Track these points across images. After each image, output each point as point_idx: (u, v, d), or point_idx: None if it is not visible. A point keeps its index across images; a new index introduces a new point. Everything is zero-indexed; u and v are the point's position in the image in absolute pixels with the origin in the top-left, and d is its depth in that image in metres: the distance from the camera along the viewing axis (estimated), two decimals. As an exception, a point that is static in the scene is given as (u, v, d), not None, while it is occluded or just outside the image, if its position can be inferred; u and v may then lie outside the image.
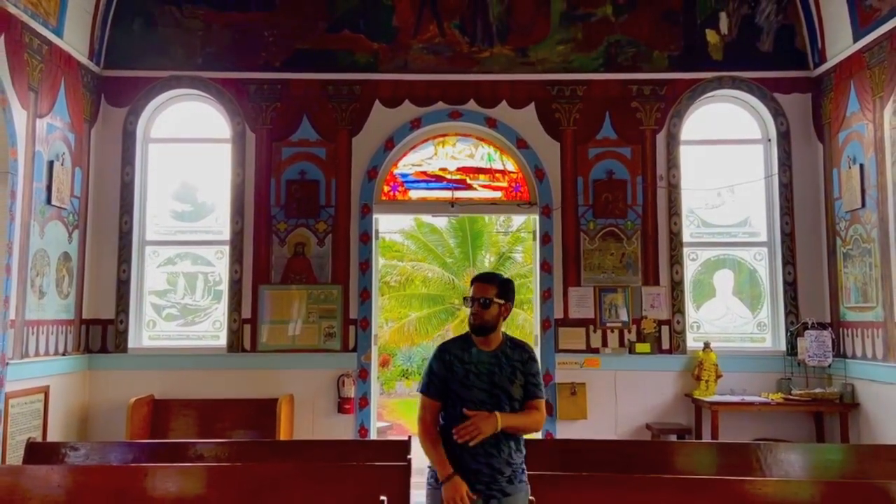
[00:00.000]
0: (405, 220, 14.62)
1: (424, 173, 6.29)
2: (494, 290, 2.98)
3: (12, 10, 4.79)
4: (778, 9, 6.13)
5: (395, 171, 6.28)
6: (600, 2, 6.18)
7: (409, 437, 4.22)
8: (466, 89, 6.15)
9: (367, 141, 6.11)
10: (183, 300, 6.15)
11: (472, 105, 6.15)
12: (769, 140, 6.20)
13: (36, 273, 5.10)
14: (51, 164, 5.26)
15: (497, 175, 6.28)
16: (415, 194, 6.28)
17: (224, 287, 6.05)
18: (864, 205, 5.35)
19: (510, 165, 6.28)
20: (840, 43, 5.65)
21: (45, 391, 5.15)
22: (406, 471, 3.57)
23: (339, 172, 6.09)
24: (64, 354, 5.49)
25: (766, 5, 6.14)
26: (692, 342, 5.96)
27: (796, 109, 6.09)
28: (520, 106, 6.15)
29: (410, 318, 14.65)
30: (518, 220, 13.57)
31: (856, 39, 5.45)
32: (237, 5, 6.14)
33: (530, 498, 2.95)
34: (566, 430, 5.74)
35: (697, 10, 6.18)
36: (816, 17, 5.91)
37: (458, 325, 13.56)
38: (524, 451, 2.99)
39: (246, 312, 5.93)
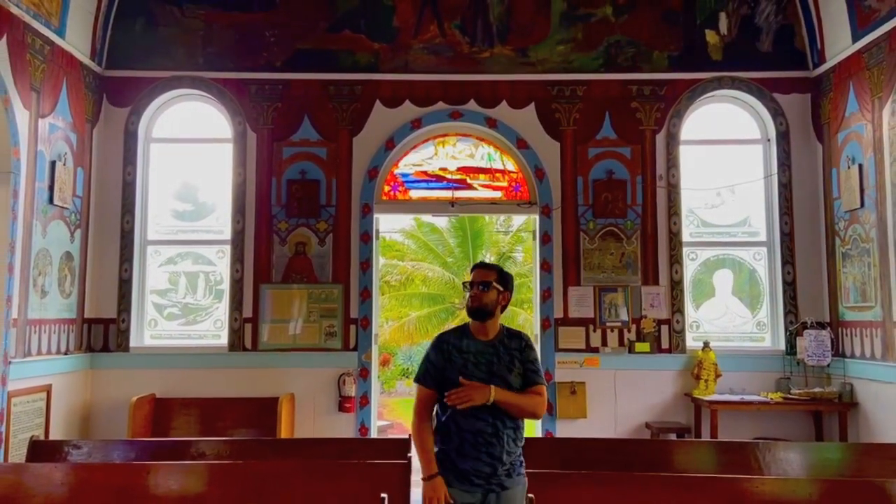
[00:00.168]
0: (405, 220, 14.63)
1: (425, 173, 6.32)
2: (494, 275, 3.02)
3: (14, 10, 4.81)
4: (777, 9, 6.15)
5: (396, 171, 6.30)
6: (600, 2, 6.20)
7: (410, 435, 4.24)
8: (467, 89, 6.17)
9: (368, 141, 6.14)
10: (184, 299, 6.17)
11: (472, 105, 6.17)
12: (768, 140, 6.22)
13: (38, 272, 5.12)
14: (53, 163, 5.28)
15: (497, 175, 6.30)
16: (415, 194, 6.30)
17: (225, 286, 6.07)
18: (862, 205, 5.36)
19: (510, 165, 6.30)
20: (839, 43, 5.67)
21: (48, 390, 5.17)
22: (406, 469, 3.58)
23: (339, 172, 6.11)
24: (66, 353, 5.51)
25: (765, 6, 6.16)
26: (691, 341, 5.98)
27: (795, 109, 6.11)
28: (520, 106, 6.16)
29: (411, 318, 14.67)
30: (518, 219, 13.58)
31: (855, 40, 5.47)
32: (238, 5, 6.16)
33: (529, 495, 2.96)
34: (566, 429, 5.76)
35: (697, 10, 6.20)
36: (816, 18, 5.93)
37: (458, 324, 13.52)
38: (522, 442, 3.00)
39: (247, 311, 5.95)
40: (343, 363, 5.91)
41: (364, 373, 5.93)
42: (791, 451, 4.12)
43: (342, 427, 5.83)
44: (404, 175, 6.31)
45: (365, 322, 5.99)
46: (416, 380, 3.04)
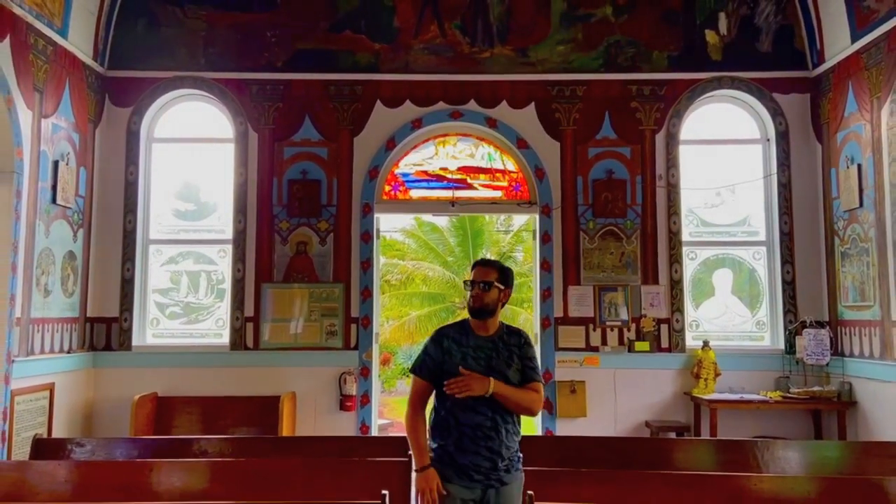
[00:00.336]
0: (406, 219, 14.64)
1: (425, 173, 6.34)
2: (495, 274, 3.02)
3: (17, 11, 4.84)
4: (777, 9, 6.17)
5: (397, 171, 6.32)
6: (600, 2, 6.22)
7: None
8: (467, 89, 6.19)
9: (369, 141, 6.16)
10: (186, 298, 6.20)
11: (472, 105, 6.20)
12: (768, 140, 6.24)
13: (41, 271, 5.15)
14: (56, 163, 5.31)
15: (497, 175, 6.32)
16: (416, 194, 6.33)
17: (227, 285, 6.10)
18: (861, 204, 5.39)
19: (510, 165, 6.32)
20: (838, 44, 5.69)
21: (51, 388, 5.20)
22: (407, 466, 3.60)
23: (340, 172, 6.14)
24: (69, 352, 5.54)
25: (765, 6, 6.18)
26: (691, 341, 6.00)
27: (795, 109, 6.13)
28: (520, 106, 6.19)
29: (411, 317, 14.69)
30: (519, 220, 13.60)
31: (854, 40, 5.49)
32: (239, 6, 6.19)
33: (529, 492, 2.98)
34: (566, 428, 5.79)
35: (697, 10, 6.22)
36: (815, 18, 5.95)
37: (458, 320, 13.52)
38: (519, 437, 3.02)
39: (248, 311, 5.98)
40: (344, 362, 5.94)
41: (365, 371, 5.96)
42: (790, 449, 4.14)
43: (343, 426, 5.85)
44: (405, 175, 6.33)
45: (366, 321, 6.02)
46: (412, 370, 3.05)
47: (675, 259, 6.05)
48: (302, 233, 6.07)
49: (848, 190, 5.54)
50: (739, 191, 6.25)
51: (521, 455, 3.04)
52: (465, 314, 3.13)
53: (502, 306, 3.07)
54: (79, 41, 5.65)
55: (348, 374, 5.89)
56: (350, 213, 6.11)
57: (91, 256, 5.88)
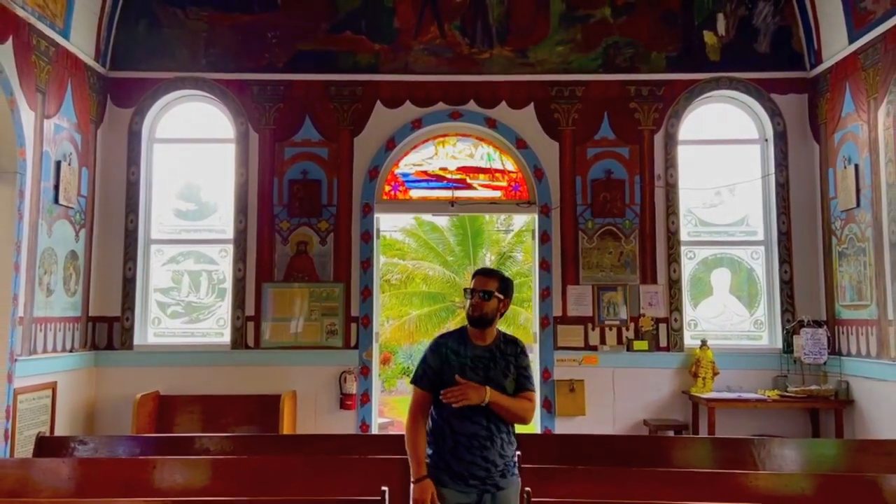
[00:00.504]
0: (406, 218, 14.66)
1: (425, 173, 6.37)
2: (496, 283, 3.04)
3: (20, 12, 4.87)
4: (774, 10, 6.20)
5: (396, 171, 6.36)
6: (599, 3, 6.25)
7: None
8: (466, 90, 6.23)
9: (369, 141, 6.20)
10: (187, 298, 6.24)
11: (472, 105, 6.23)
12: (766, 140, 6.27)
13: (44, 271, 5.19)
14: (58, 164, 5.35)
15: (497, 175, 6.36)
16: (415, 193, 6.36)
17: (228, 285, 6.13)
18: (858, 204, 5.42)
19: (510, 165, 6.35)
20: (836, 44, 5.72)
21: (53, 387, 5.24)
22: (407, 463, 3.64)
23: (340, 172, 6.17)
24: (71, 351, 5.58)
25: (762, 7, 6.21)
26: (689, 340, 6.03)
27: (793, 110, 6.16)
28: (519, 106, 6.22)
29: (411, 316, 14.71)
30: (520, 221, 13.63)
31: (851, 41, 5.52)
32: (240, 7, 6.22)
33: (527, 489, 3.02)
34: (564, 427, 5.82)
35: (695, 11, 6.25)
36: (812, 19, 5.98)
37: (458, 324, 13.50)
38: (515, 444, 3.05)
39: (249, 310, 6.01)
40: (344, 361, 5.97)
41: (365, 371, 5.99)
42: (786, 447, 4.17)
43: (343, 424, 5.89)
44: (405, 175, 6.37)
45: (366, 320, 6.05)
46: (413, 381, 3.06)
47: (673, 259, 6.09)
48: (302, 232, 6.11)
49: (845, 190, 5.57)
50: (737, 191, 6.28)
51: (517, 461, 3.06)
52: (464, 313, 3.15)
53: (501, 316, 3.08)
54: (81, 42, 5.69)
55: (348, 373, 5.93)
56: (350, 212, 6.14)
57: (93, 256, 5.92)
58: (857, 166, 5.45)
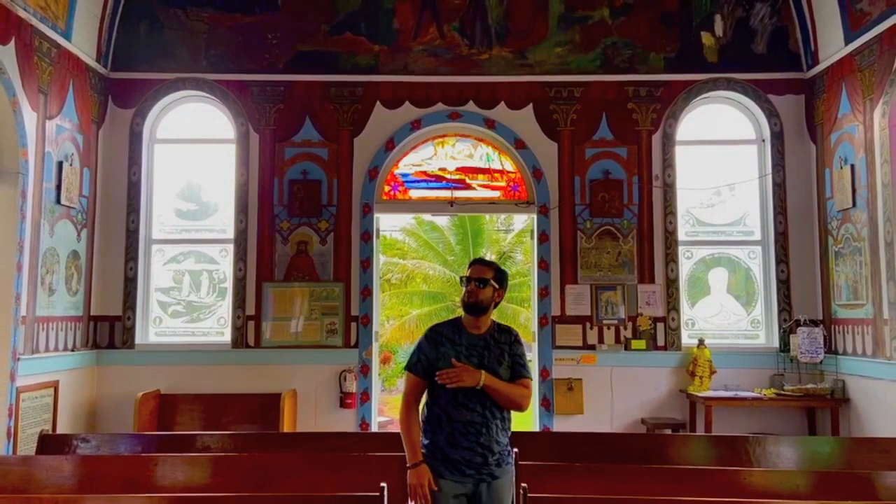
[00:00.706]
0: (406, 218, 14.69)
1: (424, 173, 6.41)
2: (491, 272, 3.10)
3: (22, 14, 4.91)
4: (772, 12, 6.23)
5: (396, 171, 6.39)
6: (597, 4, 6.29)
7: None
8: (466, 91, 6.27)
9: (368, 141, 6.23)
10: (188, 297, 6.28)
11: (471, 106, 6.27)
12: (763, 140, 6.31)
13: (46, 271, 5.23)
14: (60, 164, 5.38)
15: (496, 175, 6.40)
16: (415, 194, 6.40)
17: (228, 284, 6.17)
18: (854, 204, 5.45)
19: (508, 165, 6.39)
20: (832, 45, 5.76)
21: (55, 386, 5.28)
22: (405, 461, 3.68)
23: (340, 172, 6.21)
24: (73, 350, 5.62)
25: (760, 8, 6.24)
26: (687, 339, 6.07)
27: (789, 110, 6.20)
28: (518, 107, 6.26)
29: (411, 316, 14.74)
30: (519, 221, 13.67)
31: (847, 42, 5.55)
32: (241, 8, 6.26)
33: (523, 485, 3.06)
34: (563, 425, 5.86)
35: (693, 12, 6.28)
36: (809, 20, 6.02)
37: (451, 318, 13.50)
38: (510, 432, 3.09)
39: (250, 309, 6.05)
40: (344, 360, 6.01)
41: (365, 369, 6.03)
42: (782, 444, 4.21)
43: (343, 423, 5.92)
44: (404, 175, 6.40)
45: (365, 320, 6.09)
46: (407, 368, 3.10)
47: (671, 258, 6.12)
48: (302, 232, 6.15)
49: (841, 190, 5.61)
50: (735, 191, 6.31)
51: (511, 450, 3.11)
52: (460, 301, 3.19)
53: (495, 306, 3.13)
54: (82, 43, 5.73)
55: (348, 371, 5.96)
56: (350, 212, 6.18)
57: (94, 256, 5.96)
58: (853, 167, 5.48)
